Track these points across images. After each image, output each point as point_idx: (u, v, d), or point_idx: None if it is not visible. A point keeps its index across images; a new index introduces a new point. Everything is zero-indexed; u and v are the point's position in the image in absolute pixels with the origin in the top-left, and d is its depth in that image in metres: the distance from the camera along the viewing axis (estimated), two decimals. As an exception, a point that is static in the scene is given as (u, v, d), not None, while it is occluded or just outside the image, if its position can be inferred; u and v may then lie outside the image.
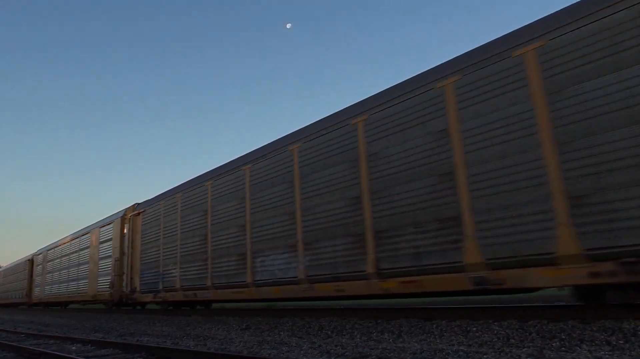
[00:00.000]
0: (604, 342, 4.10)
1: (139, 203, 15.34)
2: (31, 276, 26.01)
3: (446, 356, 4.01)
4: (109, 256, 15.78)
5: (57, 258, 21.83)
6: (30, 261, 26.35)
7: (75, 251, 19.43)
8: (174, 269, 12.10)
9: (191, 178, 12.59)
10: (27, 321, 14.00)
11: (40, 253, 24.81)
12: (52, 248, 23.01)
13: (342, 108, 8.51)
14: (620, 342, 4.03)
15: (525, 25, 6.02)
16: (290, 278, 8.49)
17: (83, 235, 18.88)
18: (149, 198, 14.61)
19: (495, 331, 5.07)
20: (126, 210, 15.58)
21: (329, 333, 6.35)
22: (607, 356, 3.60)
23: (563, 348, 4.04)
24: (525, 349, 4.11)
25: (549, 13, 5.95)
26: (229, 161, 11.41)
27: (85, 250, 18.34)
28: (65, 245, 21.01)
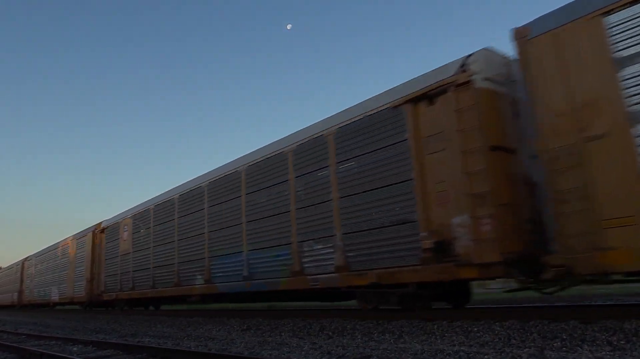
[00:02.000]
0: (605, 342, 4.09)
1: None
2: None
3: (447, 356, 4.01)
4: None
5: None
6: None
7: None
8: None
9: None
10: (29, 323, 14.02)
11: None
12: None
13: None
14: (622, 342, 4.03)
15: None
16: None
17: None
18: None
19: (497, 332, 5.07)
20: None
21: (330, 333, 6.35)
22: (608, 356, 3.59)
23: (564, 348, 4.03)
24: (527, 349, 4.11)
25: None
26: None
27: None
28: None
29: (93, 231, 17.76)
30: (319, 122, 9.04)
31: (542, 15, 6.02)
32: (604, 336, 4.28)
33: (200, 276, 11.38)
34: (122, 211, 16.37)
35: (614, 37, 5.18)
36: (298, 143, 9.06)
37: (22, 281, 27.49)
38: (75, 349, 6.58)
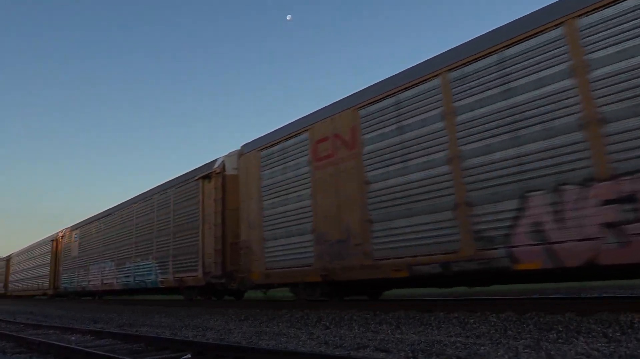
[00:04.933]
0: (600, 334, 4.12)
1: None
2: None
3: (444, 347, 4.03)
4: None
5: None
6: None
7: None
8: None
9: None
10: (27, 312, 14.04)
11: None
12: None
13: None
14: (617, 334, 4.05)
15: None
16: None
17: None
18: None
19: (493, 323, 5.10)
20: None
21: (328, 324, 6.38)
22: (603, 348, 3.61)
23: (560, 340, 4.06)
24: (523, 340, 4.13)
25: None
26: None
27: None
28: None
29: (56, 237, 23.36)
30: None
31: (246, 143, 10.68)
32: (599, 328, 4.31)
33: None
34: (78, 221, 21.74)
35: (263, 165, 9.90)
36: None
37: (7, 275, 32.19)
38: (73, 338, 6.60)
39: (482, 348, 3.88)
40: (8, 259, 32.47)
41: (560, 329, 4.45)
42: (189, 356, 4.41)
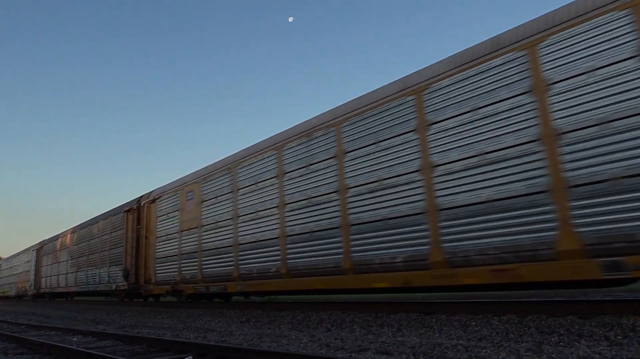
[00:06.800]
0: (602, 337, 4.11)
1: None
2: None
3: (445, 350, 4.02)
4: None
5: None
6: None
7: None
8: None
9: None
10: (29, 313, 14.08)
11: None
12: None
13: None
14: (619, 337, 4.04)
15: None
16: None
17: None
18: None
19: (495, 326, 5.09)
20: None
21: (329, 326, 6.38)
22: (605, 351, 3.61)
23: (562, 343, 4.05)
24: (524, 344, 4.13)
25: None
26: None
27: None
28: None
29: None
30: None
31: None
32: (601, 331, 4.29)
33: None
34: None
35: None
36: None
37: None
38: (75, 339, 6.62)
39: (484, 350, 3.88)
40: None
41: (562, 332, 4.44)
42: (190, 357, 4.41)
